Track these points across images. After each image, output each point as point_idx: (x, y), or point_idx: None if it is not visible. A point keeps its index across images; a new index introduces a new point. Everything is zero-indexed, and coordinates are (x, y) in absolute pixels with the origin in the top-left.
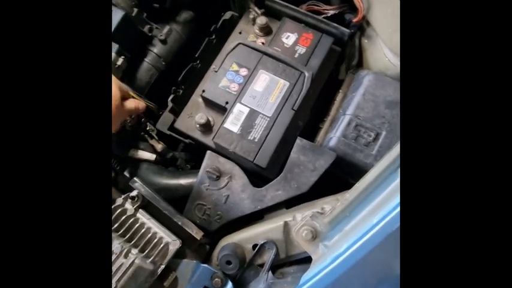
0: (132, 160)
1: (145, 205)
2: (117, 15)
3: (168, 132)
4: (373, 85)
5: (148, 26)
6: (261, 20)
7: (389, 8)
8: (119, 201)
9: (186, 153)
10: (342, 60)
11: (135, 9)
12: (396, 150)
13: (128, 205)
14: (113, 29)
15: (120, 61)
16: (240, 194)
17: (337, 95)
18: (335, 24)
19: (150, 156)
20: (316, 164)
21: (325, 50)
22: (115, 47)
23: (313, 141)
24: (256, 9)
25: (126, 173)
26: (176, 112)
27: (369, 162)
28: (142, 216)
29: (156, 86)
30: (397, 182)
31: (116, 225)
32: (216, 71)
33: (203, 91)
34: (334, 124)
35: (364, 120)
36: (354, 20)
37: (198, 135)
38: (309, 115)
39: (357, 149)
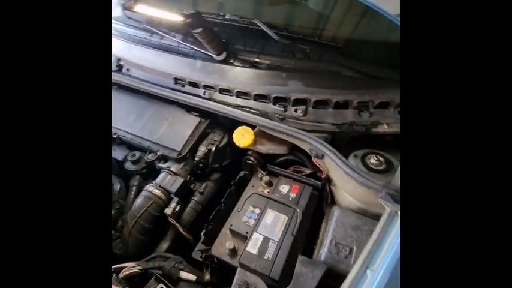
0: (179, 279)
1: None
2: (178, 182)
3: (201, 260)
4: (340, 216)
5: (194, 184)
6: (266, 178)
7: (339, 172)
8: None
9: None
10: (321, 200)
11: (189, 176)
12: (361, 259)
13: None
14: (175, 190)
15: (177, 208)
16: None
17: (322, 224)
18: (311, 179)
19: (192, 277)
20: (314, 273)
21: (308, 195)
22: (175, 199)
23: (311, 258)
24: (261, 172)
25: None
26: (206, 243)
27: (349, 271)
28: None
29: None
30: (367, 279)
31: None
32: (239, 211)
33: (231, 225)
34: (322, 244)
35: (340, 239)
36: (322, 177)
37: (227, 258)
38: (305, 239)
39: (339, 261)
